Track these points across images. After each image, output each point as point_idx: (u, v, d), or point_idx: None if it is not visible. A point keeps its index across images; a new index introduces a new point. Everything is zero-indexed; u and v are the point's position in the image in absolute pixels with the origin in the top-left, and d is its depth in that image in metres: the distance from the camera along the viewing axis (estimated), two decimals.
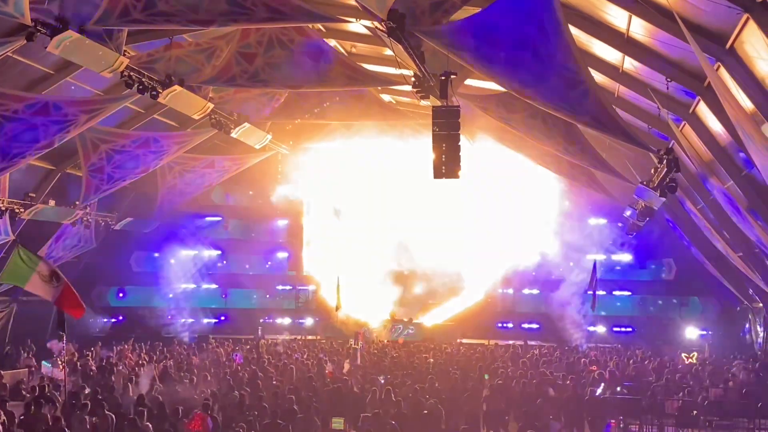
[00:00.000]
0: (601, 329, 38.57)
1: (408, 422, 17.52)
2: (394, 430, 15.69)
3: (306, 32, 21.82)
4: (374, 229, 42.39)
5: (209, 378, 23.80)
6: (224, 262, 43.39)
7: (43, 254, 31.79)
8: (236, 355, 29.53)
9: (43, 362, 26.96)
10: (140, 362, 27.34)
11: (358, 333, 33.32)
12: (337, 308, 36.65)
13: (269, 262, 43.84)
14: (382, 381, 22.69)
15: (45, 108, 22.04)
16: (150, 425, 15.97)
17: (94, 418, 16.90)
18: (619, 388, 24.25)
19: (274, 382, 22.43)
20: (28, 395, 20.96)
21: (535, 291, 41.00)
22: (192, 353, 30.94)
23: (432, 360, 28.44)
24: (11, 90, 22.13)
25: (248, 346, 33.42)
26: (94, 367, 26.44)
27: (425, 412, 18.22)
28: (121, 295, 42.15)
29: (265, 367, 26.08)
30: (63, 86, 24.58)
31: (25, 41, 17.68)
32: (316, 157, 40.26)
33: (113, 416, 16.72)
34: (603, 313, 38.41)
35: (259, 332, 37.46)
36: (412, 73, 19.57)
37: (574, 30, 16.00)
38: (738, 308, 35.93)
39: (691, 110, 19.28)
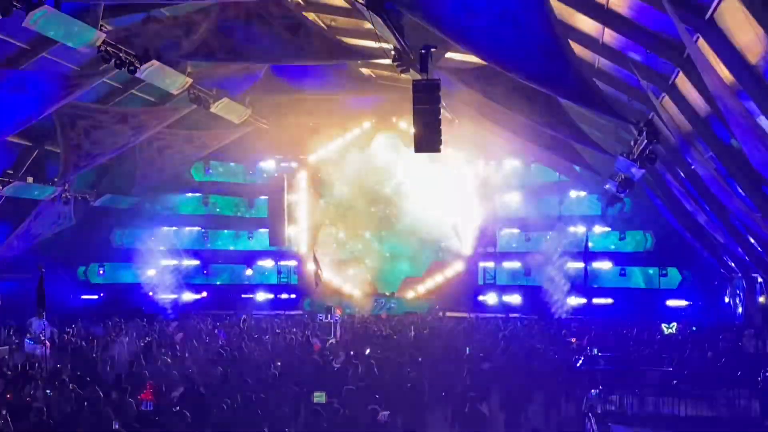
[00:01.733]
0: (581, 301, 38.74)
1: (391, 395, 17.64)
2: (377, 402, 15.77)
3: (285, 6, 21.70)
4: (357, 203, 42.46)
5: (191, 353, 23.86)
6: (205, 238, 43.24)
7: (21, 232, 31.75)
8: (220, 332, 29.52)
9: (26, 339, 26.87)
10: (121, 339, 27.28)
11: (332, 307, 33.17)
12: (316, 284, 36.72)
13: (250, 238, 43.72)
14: (368, 352, 22.79)
15: (22, 84, 21.84)
16: (133, 401, 16.00)
17: (75, 395, 16.89)
18: (596, 350, 24.54)
19: (256, 357, 22.50)
20: (9, 373, 20.91)
21: (516, 264, 41.12)
22: (174, 329, 30.93)
23: (414, 333, 28.59)
24: None
25: (227, 321, 33.37)
26: (75, 344, 26.38)
27: (408, 385, 18.34)
28: (101, 271, 41.96)
29: (247, 342, 26.13)
30: (40, 62, 24.35)
31: (1, 16, 17.47)
32: (297, 132, 40.16)
33: (100, 392, 16.71)
34: (582, 285, 38.70)
35: (244, 314, 37.49)
36: (392, 47, 19.50)
37: (553, 2, 15.96)
38: (717, 278, 36.22)
39: (670, 82, 19.30)
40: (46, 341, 22.46)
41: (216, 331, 29.93)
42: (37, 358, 23.02)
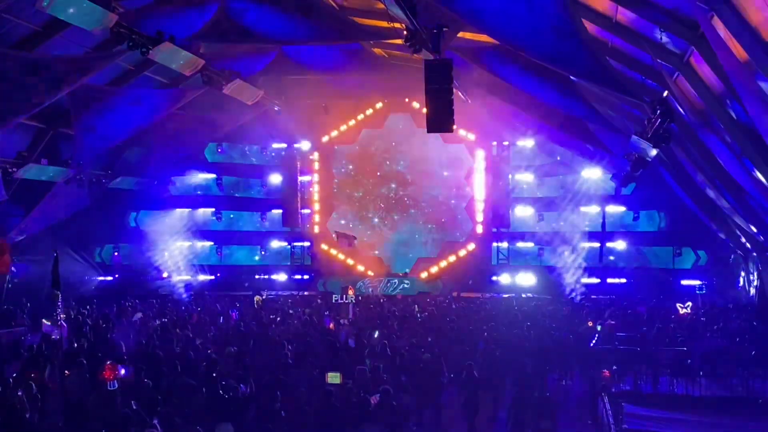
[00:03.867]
0: (594, 281, 38.75)
1: (405, 375, 17.70)
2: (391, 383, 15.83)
3: None
4: (369, 184, 42.59)
5: (206, 334, 23.98)
6: (219, 219, 43.34)
7: (36, 214, 31.88)
8: (233, 312, 29.63)
9: (44, 320, 27.03)
10: (136, 320, 27.44)
11: (346, 287, 33.19)
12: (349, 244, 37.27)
13: (264, 219, 43.81)
14: (376, 335, 22.82)
15: (35, 67, 21.88)
16: (150, 382, 16.09)
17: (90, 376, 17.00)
18: (605, 323, 24.59)
19: (270, 336, 22.57)
20: (25, 354, 21.07)
21: (530, 244, 41.13)
22: (188, 310, 31.08)
23: (427, 314, 28.65)
24: (1, 49, 21.97)
25: (239, 304, 33.44)
26: (90, 325, 26.53)
27: (421, 365, 18.39)
28: (116, 253, 42.15)
29: (261, 322, 26.23)
30: (53, 44, 24.38)
31: None
32: (309, 113, 40.15)
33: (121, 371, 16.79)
34: (595, 265, 38.71)
35: (263, 294, 37.56)
36: (404, 27, 19.42)
37: None
38: (731, 258, 36.11)
39: (684, 60, 19.21)
40: (63, 323, 22.55)
41: (230, 311, 30.02)
42: (53, 339, 23.17)
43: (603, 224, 35.50)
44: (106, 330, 24.91)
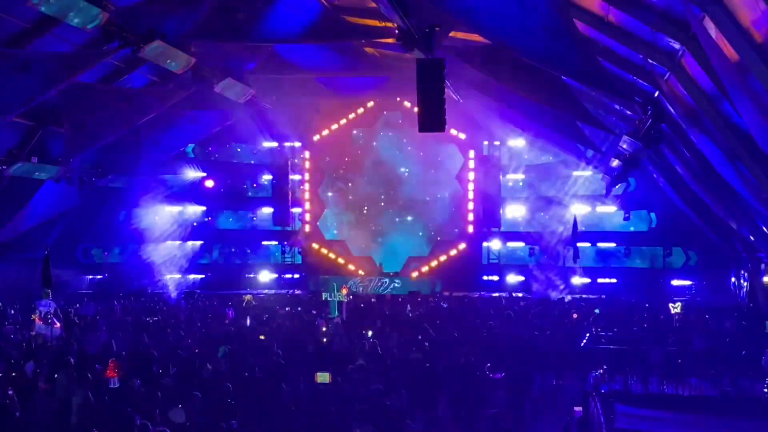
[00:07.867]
0: (585, 281, 38.84)
1: (395, 374, 17.70)
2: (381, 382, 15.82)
3: None
4: (361, 183, 42.54)
5: (195, 333, 23.92)
6: (209, 218, 43.28)
7: (26, 212, 31.77)
8: (229, 311, 29.58)
9: (35, 319, 26.95)
10: (124, 318, 27.38)
11: (335, 286, 33.11)
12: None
13: (254, 218, 43.79)
14: (370, 334, 22.80)
15: (25, 64, 21.79)
16: (138, 381, 16.05)
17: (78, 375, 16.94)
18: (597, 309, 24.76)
19: (261, 337, 22.54)
20: (15, 353, 21.01)
21: (520, 244, 41.23)
22: (178, 309, 31.02)
23: (417, 313, 28.63)
24: None
25: (230, 303, 33.40)
26: (78, 324, 26.45)
27: (412, 364, 18.39)
28: (106, 252, 42.03)
29: (251, 322, 26.20)
30: (44, 41, 24.27)
31: None
32: (300, 111, 40.11)
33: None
34: (587, 265, 38.82)
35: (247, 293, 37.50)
36: (396, 26, 19.40)
37: None
38: (722, 259, 36.18)
39: (676, 61, 19.23)
40: (55, 322, 22.52)
41: (226, 310, 29.96)
42: (44, 338, 23.10)
43: (574, 225, 35.51)
44: (95, 329, 24.87)
